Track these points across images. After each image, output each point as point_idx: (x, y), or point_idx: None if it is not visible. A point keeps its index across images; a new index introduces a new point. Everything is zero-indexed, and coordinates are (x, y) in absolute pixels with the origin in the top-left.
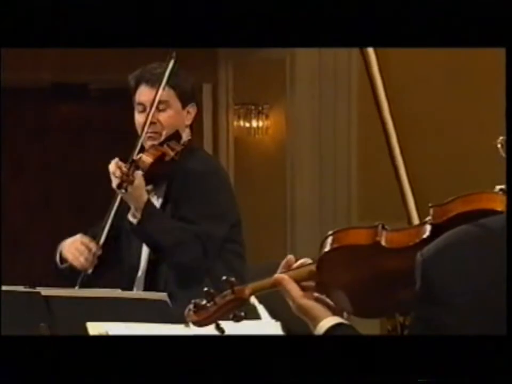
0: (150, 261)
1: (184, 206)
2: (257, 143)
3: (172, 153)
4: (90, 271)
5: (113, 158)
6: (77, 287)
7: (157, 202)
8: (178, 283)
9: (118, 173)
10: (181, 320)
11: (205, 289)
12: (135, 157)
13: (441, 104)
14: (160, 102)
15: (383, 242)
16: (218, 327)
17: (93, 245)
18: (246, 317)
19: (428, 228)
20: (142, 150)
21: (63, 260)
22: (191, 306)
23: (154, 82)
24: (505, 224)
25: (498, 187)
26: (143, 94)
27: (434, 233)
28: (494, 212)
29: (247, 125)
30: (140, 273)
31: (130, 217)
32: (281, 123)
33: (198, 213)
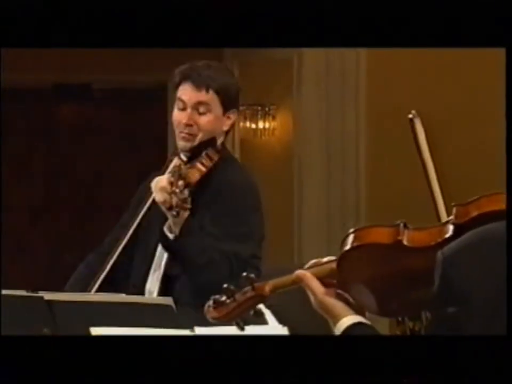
0: (165, 274)
1: (214, 222)
2: (264, 145)
3: (211, 164)
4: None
5: (117, 160)
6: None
7: None
8: (194, 297)
9: (168, 193)
10: (184, 325)
11: (225, 285)
12: (173, 162)
13: (437, 102)
14: (201, 104)
15: (404, 241)
16: (237, 324)
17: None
18: (253, 322)
19: (451, 227)
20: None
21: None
22: (210, 302)
23: (200, 84)
24: None
25: None
26: (186, 92)
27: (457, 232)
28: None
29: (254, 126)
30: (149, 283)
31: (166, 231)
32: (288, 124)
33: (229, 231)
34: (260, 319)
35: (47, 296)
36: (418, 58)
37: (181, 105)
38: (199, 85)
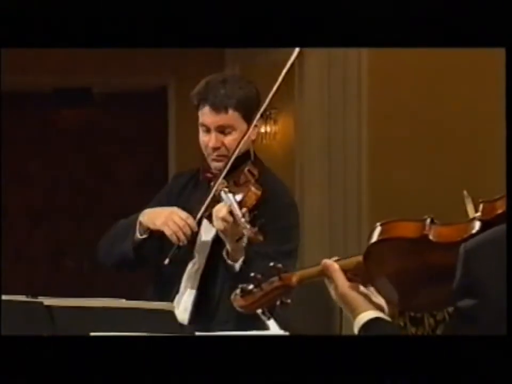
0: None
1: (267, 241)
2: (265, 149)
3: (254, 180)
4: (185, 243)
5: (117, 163)
6: (167, 260)
7: None
8: (232, 317)
9: (244, 231)
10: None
11: (252, 274)
12: (218, 181)
13: (439, 104)
14: (224, 125)
15: (430, 236)
16: (263, 313)
17: (191, 221)
18: (255, 328)
19: (477, 223)
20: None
21: (145, 231)
22: (237, 291)
23: (217, 105)
24: None
25: None
26: (207, 116)
27: (483, 229)
28: None
29: None
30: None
31: (227, 259)
32: (289, 128)
33: (277, 249)
34: (261, 324)
35: (47, 301)
36: (418, 61)
37: (204, 128)
38: (217, 107)
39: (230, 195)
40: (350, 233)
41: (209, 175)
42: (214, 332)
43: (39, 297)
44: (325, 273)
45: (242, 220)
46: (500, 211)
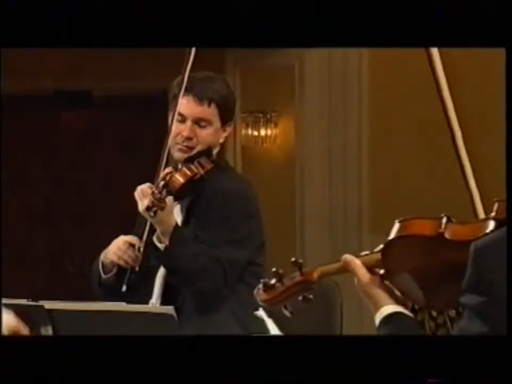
0: (166, 284)
1: (207, 229)
2: (266, 152)
3: (202, 172)
4: (137, 268)
5: (117, 166)
6: (124, 287)
7: (177, 218)
8: (195, 307)
9: (149, 197)
10: (188, 333)
11: (273, 269)
12: (162, 171)
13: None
14: (203, 118)
15: (446, 235)
16: (285, 308)
17: (135, 240)
18: (255, 331)
19: (492, 222)
20: (167, 160)
21: (106, 269)
22: (260, 285)
23: (202, 97)
24: None
25: None
26: (188, 106)
27: (498, 228)
28: None
29: (255, 133)
30: (154, 296)
31: (156, 241)
32: (290, 131)
33: (222, 237)
34: (262, 328)
35: (48, 305)
36: (418, 61)
37: (180, 118)
38: (201, 98)
39: (163, 175)
40: (350, 235)
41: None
42: (182, 323)
43: (40, 301)
44: (347, 268)
45: (156, 191)
46: None
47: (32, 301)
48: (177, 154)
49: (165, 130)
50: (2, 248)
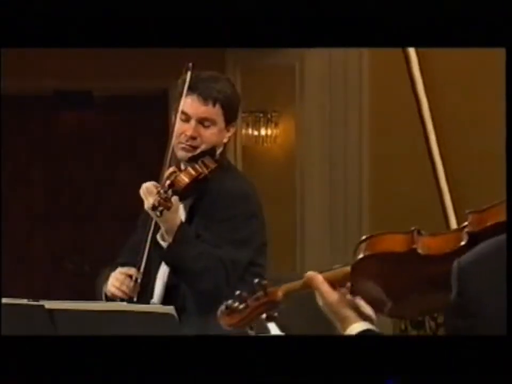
0: (167, 284)
1: (210, 229)
2: (266, 152)
3: (206, 172)
4: (135, 299)
5: (117, 167)
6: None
7: (181, 217)
8: (196, 306)
9: (154, 196)
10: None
11: (237, 292)
12: (166, 170)
13: (440, 104)
14: (207, 118)
15: (419, 250)
16: (251, 328)
17: (132, 271)
18: (255, 331)
19: (466, 235)
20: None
21: (108, 299)
22: (223, 308)
23: (207, 97)
24: None
25: None
26: (192, 106)
27: (472, 241)
28: None
29: (256, 133)
30: (155, 296)
31: (159, 240)
32: (290, 131)
33: (224, 237)
34: (263, 329)
35: (48, 304)
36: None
37: (183, 117)
38: (205, 98)
39: (168, 174)
40: (350, 235)
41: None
42: (183, 323)
43: (40, 300)
44: (310, 285)
45: (161, 190)
46: (488, 223)
47: (32, 300)
48: (180, 153)
49: (165, 130)
50: (2, 248)
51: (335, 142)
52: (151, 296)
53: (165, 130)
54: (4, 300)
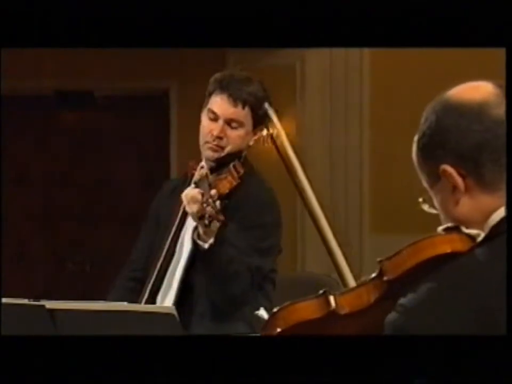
0: (181, 287)
1: (238, 235)
2: (266, 152)
3: (239, 180)
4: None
5: (118, 167)
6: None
7: None
8: (211, 310)
9: (199, 204)
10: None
11: None
12: (196, 165)
13: None
14: (235, 119)
15: (338, 310)
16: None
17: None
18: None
19: (383, 284)
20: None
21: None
22: None
23: (237, 98)
24: (482, 259)
25: (440, 228)
26: (221, 106)
27: (390, 289)
28: (449, 255)
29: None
30: (168, 298)
31: (198, 240)
32: (291, 131)
33: (251, 244)
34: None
35: (49, 304)
36: (419, 61)
37: (212, 116)
38: (236, 99)
39: (205, 180)
40: (350, 236)
41: (194, 171)
42: (193, 325)
43: (41, 300)
44: None
45: (210, 200)
46: (405, 267)
47: (33, 300)
48: (207, 153)
49: (166, 131)
50: (2, 248)
51: (336, 141)
52: (164, 298)
53: (166, 131)
54: (4, 300)
